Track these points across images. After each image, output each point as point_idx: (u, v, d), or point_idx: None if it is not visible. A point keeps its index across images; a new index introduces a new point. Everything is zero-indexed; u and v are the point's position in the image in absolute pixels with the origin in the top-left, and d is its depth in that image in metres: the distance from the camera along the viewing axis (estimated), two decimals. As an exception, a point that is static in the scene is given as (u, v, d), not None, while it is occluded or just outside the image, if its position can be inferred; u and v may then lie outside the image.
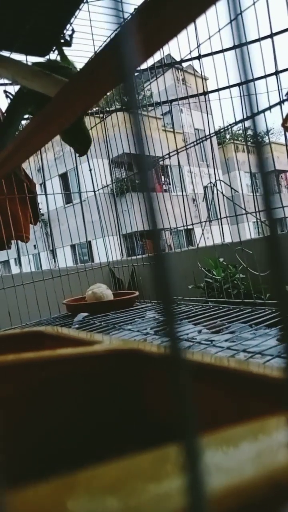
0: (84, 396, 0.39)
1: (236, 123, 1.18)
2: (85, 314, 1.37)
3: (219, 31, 1.21)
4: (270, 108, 1.03)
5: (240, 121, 1.13)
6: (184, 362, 0.11)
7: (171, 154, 1.45)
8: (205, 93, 1.75)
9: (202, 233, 1.35)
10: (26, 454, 0.36)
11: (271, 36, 1.25)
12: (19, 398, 0.38)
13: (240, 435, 0.17)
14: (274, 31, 1.25)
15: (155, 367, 0.38)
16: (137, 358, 0.39)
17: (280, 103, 1.00)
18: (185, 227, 1.62)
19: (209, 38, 1.22)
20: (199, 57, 1.61)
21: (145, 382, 0.39)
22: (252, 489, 0.13)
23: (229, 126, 1.22)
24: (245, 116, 1.22)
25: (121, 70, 0.12)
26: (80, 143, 1.16)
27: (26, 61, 1.29)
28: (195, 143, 1.28)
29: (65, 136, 1.15)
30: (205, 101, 1.70)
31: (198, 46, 1.36)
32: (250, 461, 0.14)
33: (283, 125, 0.97)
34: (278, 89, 1.12)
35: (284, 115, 0.98)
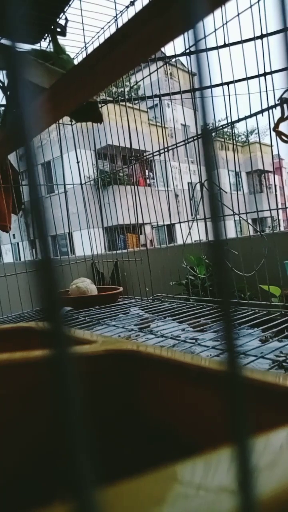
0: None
1: (228, 124, 1.18)
2: (68, 308, 1.36)
3: (215, 31, 1.21)
4: (262, 111, 1.04)
5: (234, 122, 1.13)
6: (241, 377, 0.11)
7: (161, 152, 1.45)
8: (195, 89, 1.75)
9: (189, 232, 1.36)
10: (20, 453, 0.36)
11: (263, 36, 1.26)
12: (12, 398, 0.38)
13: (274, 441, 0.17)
14: (267, 32, 1.26)
15: (151, 369, 0.39)
16: (134, 359, 0.39)
17: (271, 107, 1.02)
18: (170, 223, 1.63)
19: (205, 37, 1.22)
20: (189, 53, 1.60)
21: (141, 383, 0.39)
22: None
23: (221, 127, 1.23)
24: (232, 115, 1.23)
25: (187, 17, 0.11)
26: (92, 114, 1.15)
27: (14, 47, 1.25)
28: (186, 141, 1.28)
29: (78, 116, 1.15)
30: (194, 98, 1.70)
31: (195, 43, 1.35)
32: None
33: (274, 129, 0.98)
34: (266, 91, 1.14)
35: (275, 119, 1.00)
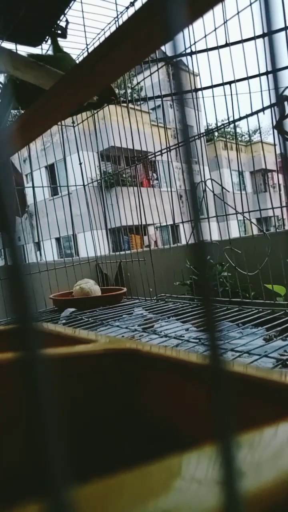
0: (79, 396, 0.39)
1: (229, 123, 1.18)
2: (72, 309, 1.36)
3: (215, 30, 1.21)
4: (263, 109, 1.04)
5: (236, 120, 1.13)
6: (225, 371, 0.11)
7: (163, 151, 1.45)
8: (196, 89, 1.75)
9: (192, 231, 1.36)
10: (20, 453, 0.36)
11: (264, 35, 1.25)
12: (12, 398, 0.38)
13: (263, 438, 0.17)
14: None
15: (151, 368, 0.38)
16: (134, 358, 0.39)
17: (273, 105, 1.01)
18: (174, 224, 1.63)
19: (205, 37, 1.22)
20: (191, 53, 1.60)
21: (141, 383, 0.39)
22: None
23: (222, 126, 1.23)
24: (234, 114, 1.23)
25: (166, 29, 0.11)
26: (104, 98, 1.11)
27: (16, 50, 1.26)
28: (188, 141, 1.27)
29: (96, 105, 1.14)
30: (196, 98, 1.70)
31: (194, 43, 1.35)
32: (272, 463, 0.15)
33: (275, 127, 0.98)
34: (268, 90, 1.13)
35: (277, 117, 0.99)
